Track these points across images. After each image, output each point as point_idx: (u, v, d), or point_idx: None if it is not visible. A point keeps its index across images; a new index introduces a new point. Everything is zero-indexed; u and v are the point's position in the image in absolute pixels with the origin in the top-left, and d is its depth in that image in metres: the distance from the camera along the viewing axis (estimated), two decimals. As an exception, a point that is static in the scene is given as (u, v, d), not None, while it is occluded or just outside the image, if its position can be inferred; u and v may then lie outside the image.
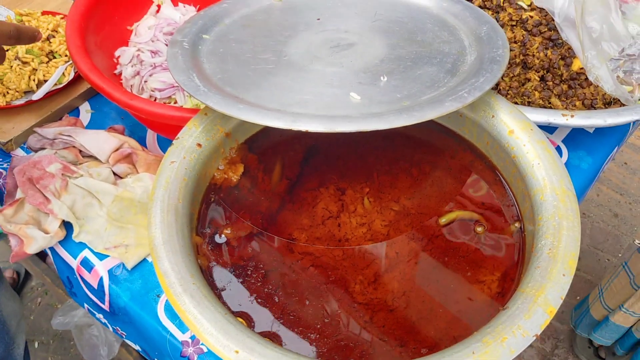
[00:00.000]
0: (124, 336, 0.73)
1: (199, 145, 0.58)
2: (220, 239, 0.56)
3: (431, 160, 0.63)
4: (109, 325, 0.74)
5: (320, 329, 0.50)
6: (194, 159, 0.57)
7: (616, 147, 0.82)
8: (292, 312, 0.51)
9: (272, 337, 0.49)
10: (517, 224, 0.56)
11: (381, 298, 0.52)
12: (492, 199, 0.59)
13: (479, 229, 0.56)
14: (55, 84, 0.80)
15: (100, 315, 0.73)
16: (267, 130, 0.65)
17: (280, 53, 0.64)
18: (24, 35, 0.60)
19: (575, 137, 0.80)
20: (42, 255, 1.32)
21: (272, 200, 0.60)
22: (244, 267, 0.54)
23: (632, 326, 1.16)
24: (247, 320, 0.50)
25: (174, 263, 0.48)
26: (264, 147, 0.64)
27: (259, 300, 0.52)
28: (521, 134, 0.57)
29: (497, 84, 0.78)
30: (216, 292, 0.52)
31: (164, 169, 0.55)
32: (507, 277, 0.53)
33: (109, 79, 0.67)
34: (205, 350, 0.61)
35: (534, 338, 0.44)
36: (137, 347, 0.73)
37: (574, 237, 0.49)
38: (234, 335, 0.44)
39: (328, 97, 0.57)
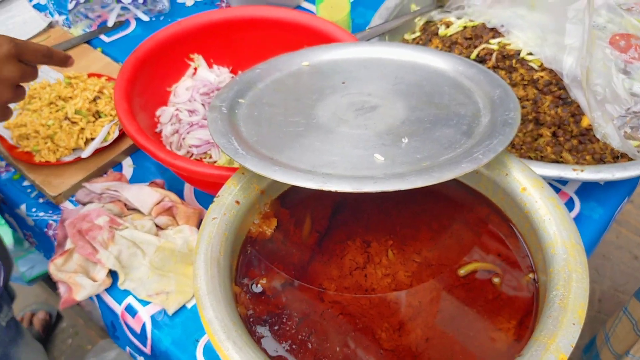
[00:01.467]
0: (162, 378, 0.77)
1: (237, 202, 0.63)
2: (256, 288, 0.61)
3: (450, 214, 0.68)
4: (148, 368, 0.79)
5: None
6: (233, 215, 0.63)
7: (626, 198, 0.87)
8: (325, 358, 0.56)
9: (307, 381, 0.54)
10: (531, 275, 0.61)
11: (406, 344, 0.57)
12: (508, 250, 0.64)
13: (496, 280, 0.61)
14: (101, 142, 0.88)
15: (141, 359, 0.78)
16: (298, 188, 0.70)
17: (309, 116, 0.71)
18: (55, 57, 0.67)
19: (587, 189, 0.85)
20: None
21: (303, 252, 0.65)
22: (279, 315, 0.59)
23: (640, 370, 1.18)
24: (283, 365, 0.55)
25: (218, 311, 0.53)
26: (295, 202, 0.70)
27: (294, 346, 0.57)
28: (533, 191, 0.62)
29: (512, 140, 0.83)
30: (255, 338, 0.57)
31: (206, 225, 0.61)
32: (522, 325, 0.58)
33: (153, 140, 0.74)
34: (241, 392, 0.66)
35: (548, 384, 0.48)
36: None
37: (583, 288, 0.53)
38: (273, 379, 0.48)
39: (354, 158, 0.62)
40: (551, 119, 0.81)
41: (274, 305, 0.60)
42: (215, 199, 0.63)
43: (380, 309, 0.60)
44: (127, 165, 0.90)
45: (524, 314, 0.58)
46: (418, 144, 0.64)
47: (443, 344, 0.57)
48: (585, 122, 0.80)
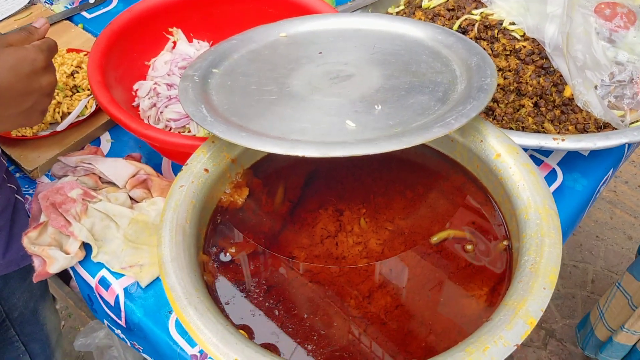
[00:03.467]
0: (140, 350, 0.77)
1: (206, 170, 0.62)
2: (225, 257, 0.60)
3: (425, 182, 0.67)
4: (127, 341, 0.78)
5: (316, 341, 0.54)
6: (202, 183, 0.62)
7: (611, 170, 0.85)
8: (291, 325, 0.55)
9: (271, 348, 0.53)
10: (505, 242, 0.59)
11: (375, 311, 0.56)
12: (483, 218, 0.62)
13: (469, 247, 0.60)
14: (78, 116, 0.86)
15: (118, 331, 0.77)
16: (270, 157, 0.69)
17: (283, 85, 0.69)
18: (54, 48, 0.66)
19: (570, 160, 0.83)
20: (66, 279, 1.37)
21: (274, 221, 0.64)
22: (246, 283, 0.58)
23: (635, 343, 1.17)
24: (248, 332, 0.54)
25: (180, 278, 0.52)
26: (268, 172, 0.68)
27: (260, 314, 0.56)
28: (507, 157, 0.61)
29: (494, 111, 0.81)
30: (220, 306, 0.56)
31: (173, 193, 0.60)
32: (495, 292, 0.56)
33: (126, 111, 0.72)
34: (212, 363, 0.65)
35: (515, 347, 0.46)
36: (151, 363, 0.77)
37: (556, 253, 0.52)
38: (234, 344, 0.47)
39: (325, 125, 0.61)
40: (533, 89, 0.80)
41: (242, 273, 0.59)
42: (183, 167, 0.62)
43: (350, 277, 0.59)
44: (105, 140, 0.89)
45: (497, 281, 0.57)
46: (391, 110, 0.63)
47: (413, 310, 0.56)
48: (567, 92, 0.79)
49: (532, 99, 0.80)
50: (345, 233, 0.62)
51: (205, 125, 0.60)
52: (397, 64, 0.72)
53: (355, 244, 0.61)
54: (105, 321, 0.79)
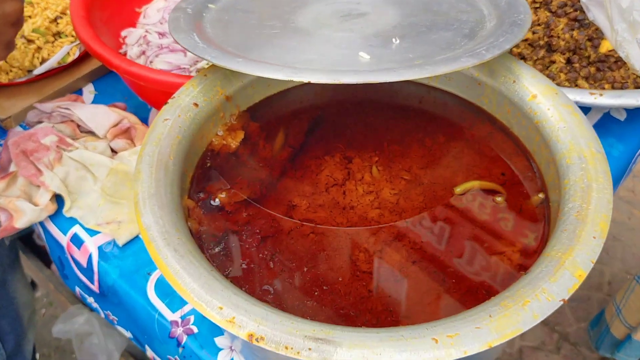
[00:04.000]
0: (115, 322, 0.68)
1: (196, 105, 0.54)
2: (214, 202, 0.52)
3: (447, 131, 0.58)
4: (100, 311, 0.69)
5: (318, 296, 0.45)
6: (190, 119, 0.53)
7: (649, 138, 0.77)
8: (288, 279, 0.46)
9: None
10: (540, 195, 0.51)
11: (388, 267, 0.47)
12: (513, 169, 0.54)
13: (499, 199, 0.51)
14: (60, 63, 0.78)
15: (91, 300, 0.69)
16: (270, 100, 0.61)
17: (287, 21, 0.61)
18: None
19: (606, 124, 0.75)
20: (47, 262, 1.29)
21: (272, 168, 0.55)
22: (237, 232, 0.50)
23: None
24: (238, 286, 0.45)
25: (159, 217, 0.44)
26: (267, 116, 0.60)
27: (252, 265, 0.47)
28: (544, 98, 0.52)
29: (523, 57, 0.73)
30: (205, 255, 0.47)
31: (156, 126, 0.51)
32: (529, 249, 0.48)
33: (109, 47, 0.64)
34: (195, 330, 0.56)
35: (561, 303, 0.38)
36: (128, 335, 0.68)
37: (606, 199, 0.44)
38: (219, 291, 0.39)
39: (335, 57, 0.53)
40: (565, 43, 0.72)
41: (232, 222, 0.51)
42: (169, 100, 0.54)
43: (359, 228, 0.50)
44: (88, 91, 0.80)
45: (532, 237, 0.49)
46: (411, 45, 0.54)
47: (432, 268, 0.47)
48: (604, 47, 0.70)
49: (564, 54, 0.72)
50: (355, 181, 0.54)
51: (197, 51, 0.52)
52: (417, 4, 0.64)
53: (365, 194, 0.53)
54: (78, 289, 0.71)
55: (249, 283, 0.46)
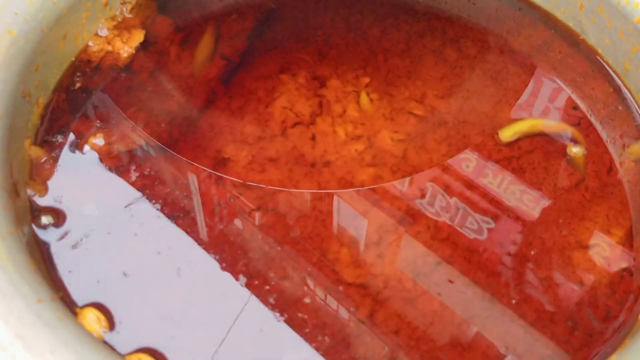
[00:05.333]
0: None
1: (49, -23, 0.30)
2: (81, 152, 0.29)
3: (478, 37, 0.36)
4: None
5: (258, 339, 0.24)
6: (39, 2, 0.29)
7: None
8: (198, 306, 0.25)
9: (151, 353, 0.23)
10: (644, 144, 0.30)
11: (390, 275, 0.26)
12: (592, 101, 0.33)
13: (576, 150, 0.30)
14: None
15: None
16: (192, -21, 0.37)
17: None
18: None
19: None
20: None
21: (192, 93, 0.33)
22: (119, 205, 0.27)
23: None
24: (106, 315, 0.24)
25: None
26: (186, 7, 0.37)
27: (141, 273, 0.25)
28: (655, -21, 0.31)
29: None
30: (44, 252, 0.25)
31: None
32: (636, 238, 0.28)
33: None
34: None
35: None
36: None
37: None
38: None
39: None
40: None
41: (113, 188, 0.28)
42: (-1, -33, 0.30)
43: (339, 203, 0.29)
44: None
45: (637, 218, 0.28)
46: None
47: (470, 278, 0.26)
48: None
49: None
50: (332, 118, 0.32)
51: None
52: None
53: (350, 140, 0.31)
54: None
55: (125, 313, 0.24)
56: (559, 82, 0.33)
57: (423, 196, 0.28)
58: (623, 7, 0.31)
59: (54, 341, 0.19)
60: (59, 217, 0.26)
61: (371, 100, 0.32)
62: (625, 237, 0.27)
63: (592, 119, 0.32)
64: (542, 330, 0.24)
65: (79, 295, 0.24)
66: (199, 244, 0.26)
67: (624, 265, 0.26)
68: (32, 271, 0.22)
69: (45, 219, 0.26)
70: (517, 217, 0.28)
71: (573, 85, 0.33)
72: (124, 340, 0.23)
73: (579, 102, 0.33)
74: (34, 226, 0.26)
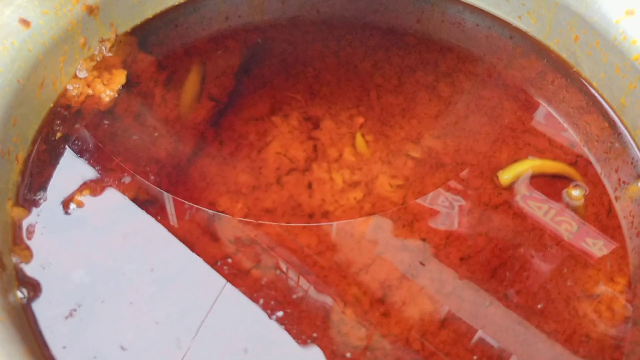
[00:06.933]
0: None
1: (26, 23, 0.28)
2: (67, 210, 0.27)
3: (471, 70, 0.35)
4: None
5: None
6: (15, 50, 0.28)
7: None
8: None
9: None
10: (643, 184, 0.30)
11: (399, 335, 0.25)
12: (588, 137, 0.33)
13: (575, 193, 0.30)
14: None
15: None
16: (174, 13, 0.36)
17: None
18: None
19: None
20: None
21: (180, 138, 0.31)
22: (112, 269, 0.26)
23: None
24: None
25: None
26: (169, 43, 0.35)
27: (135, 347, 0.24)
28: (648, 14, 0.31)
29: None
30: (34, 328, 0.24)
31: None
32: (638, 285, 0.27)
33: None
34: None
35: None
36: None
37: None
38: None
39: None
40: None
41: (102, 249, 0.27)
42: (-31, 13, 0.28)
43: (342, 255, 0.28)
44: None
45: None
46: None
47: (480, 328, 0.26)
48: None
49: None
50: (327, 163, 0.31)
51: None
52: None
53: (348, 186, 0.30)
54: None
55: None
56: (554, 117, 0.33)
57: (419, 236, 0.28)
58: (620, 43, 0.31)
59: None
60: (43, 287, 0.25)
61: (367, 142, 0.31)
62: (627, 285, 0.27)
63: (590, 157, 0.31)
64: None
65: (74, 376, 0.23)
66: (198, 310, 0.25)
67: (628, 314, 0.26)
68: (27, 353, 0.20)
69: (21, 293, 0.24)
70: (522, 266, 0.27)
71: (569, 121, 0.33)
72: None
73: (575, 138, 0.32)
74: (21, 296, 0.24)
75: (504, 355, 0.25)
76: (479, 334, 0.25)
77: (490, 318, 0.26)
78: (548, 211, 0.29)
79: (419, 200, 0.29)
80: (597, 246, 0.28)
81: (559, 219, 0.29)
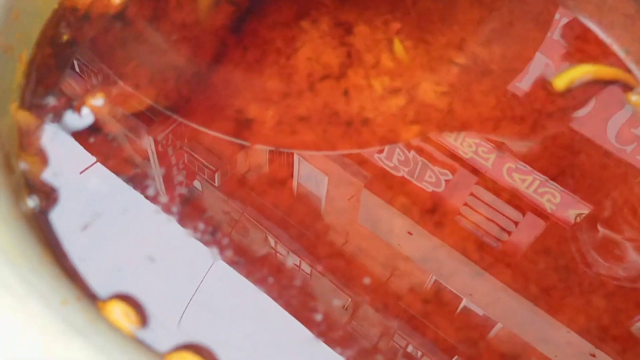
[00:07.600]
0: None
1: None
2: (79, 115, 0.24)
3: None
4: None
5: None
6: None
7: None
8: (244, 294, 0.21)
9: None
10: None
11: (456, 245, 0.23)
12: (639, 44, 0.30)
13: (635, 98, 0.27)
14: None
15: None
16: None
17: None
18: None
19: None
20: None
21: (199, 44, 0.28)
22: (130, 178, 0.23)
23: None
24: (136, 309, 0.20)
25: None
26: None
27: (166, 258, 0.22)
28: None
29: None
30: (50, 238, 0.21)
31: None
32: None
33: None
34: None
35: None
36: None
37: None
38: None
39: None
40: None
41: (118, 158, 0.24)
42: None
43: (377, 170, 0.25)
44: None
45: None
46: None
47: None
48: None
49: None
50: (364, 70, 0.28)
51: None
52: None
53: (388, 93, 0.27)
54: None
55: (158, 306, 0.20)
56: (604, 24, 0.30)
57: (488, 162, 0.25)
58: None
59: (92, 352, 0.15)
60: (56, 196, 0.22)
61: (405, 48, 0.28)
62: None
63: (646, 64, 0.29)
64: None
65: (98, 287, 0.20)
66: (213, 204, 0.23)
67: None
68: (46, 263, 0.18)
69: (32, 201, 0.21)
70: (581, 175, 0.25)
71: (620, 28, 0.30)
72: (160, 336, 0.19)
73: (627, 45, 0.30)
74: (31, 205, 0.21)
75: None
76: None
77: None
78: (606, 118, 0.27)
79: (467, 108, 0.27)
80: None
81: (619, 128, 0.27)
